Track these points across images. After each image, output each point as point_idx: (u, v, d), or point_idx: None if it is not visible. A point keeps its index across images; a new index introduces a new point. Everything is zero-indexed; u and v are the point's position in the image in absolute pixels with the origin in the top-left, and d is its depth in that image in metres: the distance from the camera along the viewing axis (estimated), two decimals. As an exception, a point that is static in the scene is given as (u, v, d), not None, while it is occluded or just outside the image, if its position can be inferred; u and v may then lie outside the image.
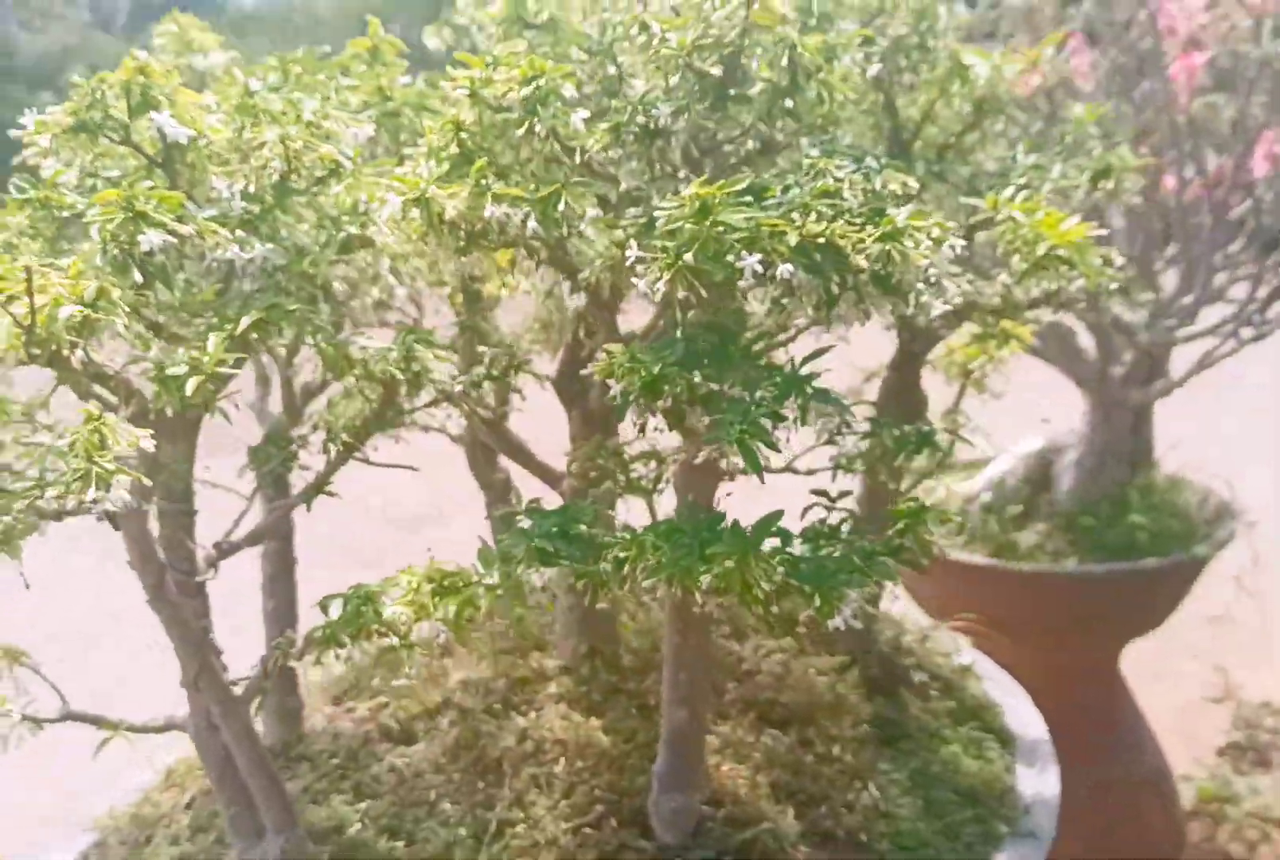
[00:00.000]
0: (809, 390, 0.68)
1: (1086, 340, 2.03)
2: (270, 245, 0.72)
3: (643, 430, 0.99)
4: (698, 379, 0.68)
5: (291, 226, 0.75)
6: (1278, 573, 2.22)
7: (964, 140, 1.18)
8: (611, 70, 0.76)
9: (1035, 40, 1.74)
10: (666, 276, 0.65)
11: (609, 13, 0.86)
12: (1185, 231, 1.87)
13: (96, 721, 0.87)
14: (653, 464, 1.03)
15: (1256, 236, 1.88)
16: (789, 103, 0.81)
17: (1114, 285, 1.07)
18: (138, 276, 0.65)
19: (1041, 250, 0.90)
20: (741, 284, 0.66)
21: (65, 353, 0.62)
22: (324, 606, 0.77)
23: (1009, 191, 0.96)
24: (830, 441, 0.96)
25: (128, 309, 0.63)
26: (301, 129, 0.73)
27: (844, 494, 0.87)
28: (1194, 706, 2.90)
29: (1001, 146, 1.25)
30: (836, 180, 0.70)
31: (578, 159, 0.74)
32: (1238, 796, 2.47)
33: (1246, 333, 1.86)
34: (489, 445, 1.47)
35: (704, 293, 0.66)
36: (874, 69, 0.92)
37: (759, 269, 0.65)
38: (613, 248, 0.72)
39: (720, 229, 0.65)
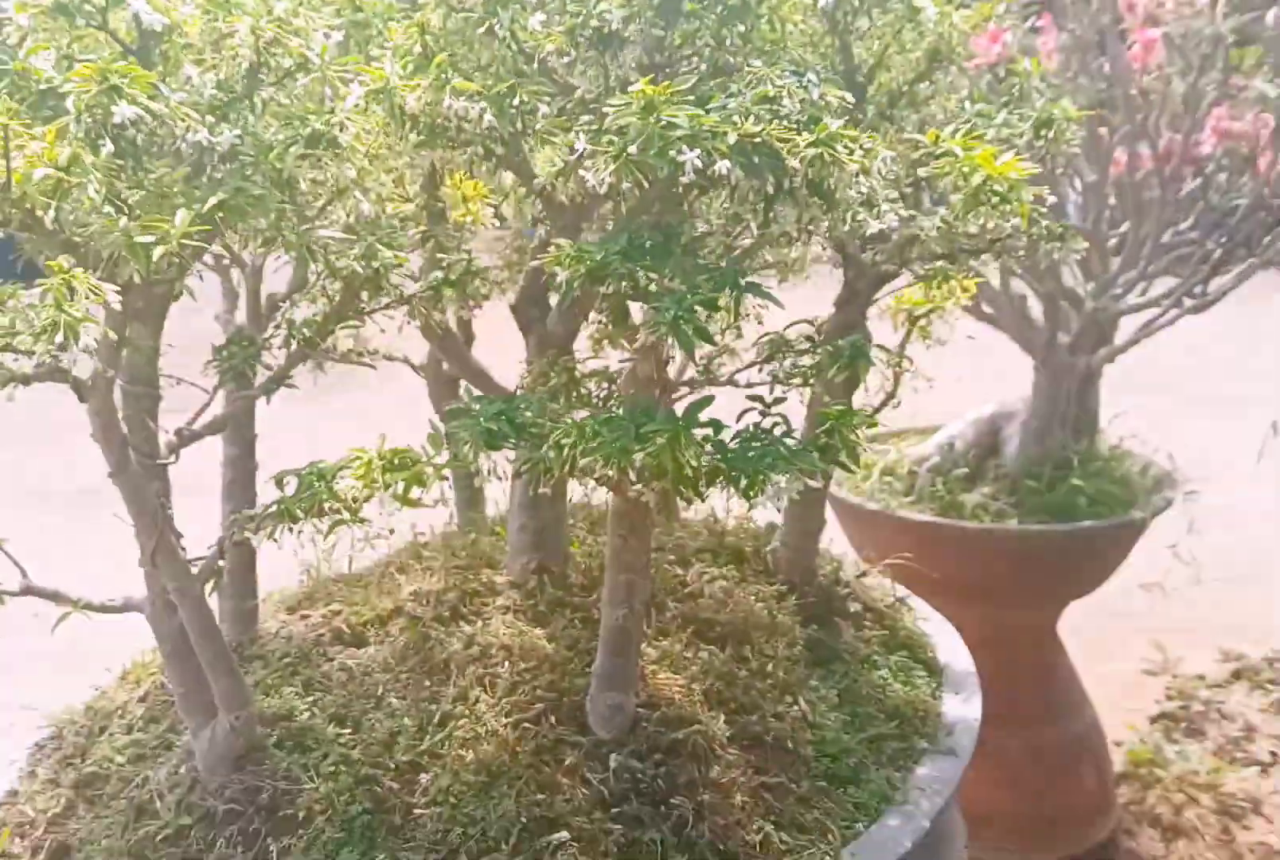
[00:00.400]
0: (741, 283, 0.72)
1: (1036, 309, 2.10)
2: (238, 132, 0.75)
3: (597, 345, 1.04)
4: (639, 272, 0.73)
5: (258, 118, 0.79)
6: (1211, 542, 2.29)
7: (916, 90, 1.22)
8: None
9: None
10: (612, 168, 0.70)
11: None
12: (1136, 206, 1.94)
13: (55, 597, 0.91)
14: (604, 384, 1.07)
15: (1204, 213, 1.94)
16: (739, 27, 0.85)
17: (1046, 228, 1.13)
18: (109, 147, 0.69)
19: (977, 180, 0.95)
20: (684, 180, 0.71)
21: (39, 213, 0.66)
22: (279, 481, 0.81)
23: (950, 129, 1.01)
24: (769, 359, 1.01)
25: (99, 176, 0.67)
26: (272, 23, 0.77)
27: (778, 400, 0.91)
28: (1131, 677, 2.99)
29: (953, 102, 1.30)
30: (776, 88, 0.75)
31: (535, 64, 0.78)
32: (1167, 761, 2.54)
33: (1188, 303, 1.92)
34: (451, 379, 1.51)
35: (647, 185, 0.70)
36: (825, 2, 0.96)
37: (698, 164, 0.69)
38: (564, 148, 0.76)
39: (664, 126, 0.70)
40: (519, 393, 1.07)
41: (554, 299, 1.21)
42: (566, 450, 0.76)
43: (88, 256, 0.69)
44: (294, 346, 0.90)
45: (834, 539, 1.58)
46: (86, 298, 0.63)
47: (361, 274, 0.85)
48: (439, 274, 0.94)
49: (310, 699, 1.05)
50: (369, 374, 1.29)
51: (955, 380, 2.18)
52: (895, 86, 1.21)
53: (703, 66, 0.89)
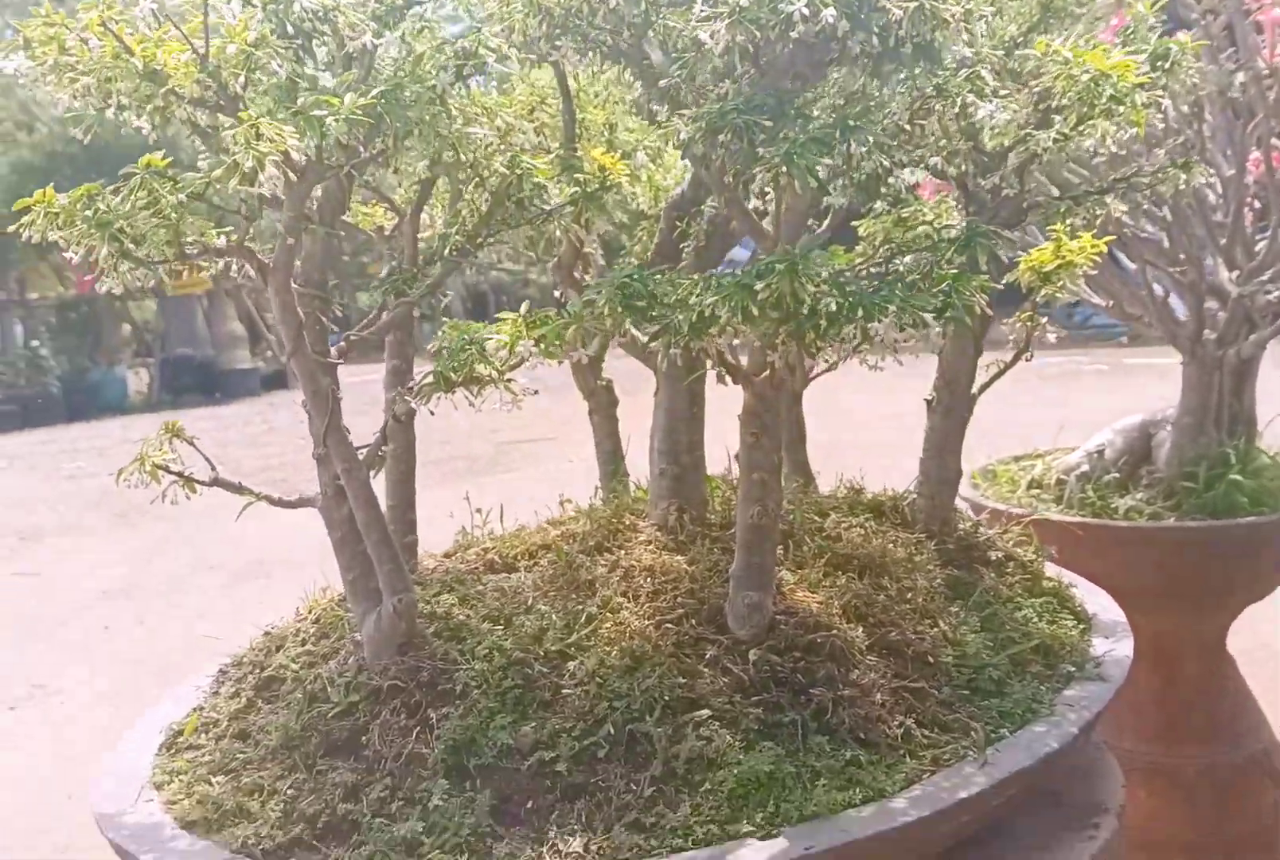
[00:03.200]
0: (851, 125, 0.78)
1: (1180, 309, 2.08)
2: (400, 34, 0.86)
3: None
4: (756, 125, 0.79)
5: (414, 35, 0.89)
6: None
7: (1029, 38, 1.28)
8: None
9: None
10: (727, 21, 0.77)
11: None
12: (1278, 194, 1.92)
13: (240, 489, 1.00)
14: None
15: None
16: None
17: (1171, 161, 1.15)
18: (290, 30, 0.80)
19: (1086, 79, 0.99)
20: (793, 34, 0.77)
21: (232, 86, 0.77)
22: (437, 352, 0.89)
23: (1059, 40, 1.06)
24: (891, 258, 1.06)
25: (283, 52, 0.78)
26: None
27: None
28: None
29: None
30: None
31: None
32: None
33: (1339, 284, 1.89)
34: (593, 356, 1.59)
35: (756, 39, 0.77)
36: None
37: (805, 12, 0.76)
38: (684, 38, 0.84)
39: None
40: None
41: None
42: (696, 309, 0.82)
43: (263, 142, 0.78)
44: (449, 254, 0.99)
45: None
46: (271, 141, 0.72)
47: (509, 177, 0.93)
48: (577, 189, 1.02)
49: (465, 606, 1.11)
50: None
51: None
52: (1009, 35, 1.27)
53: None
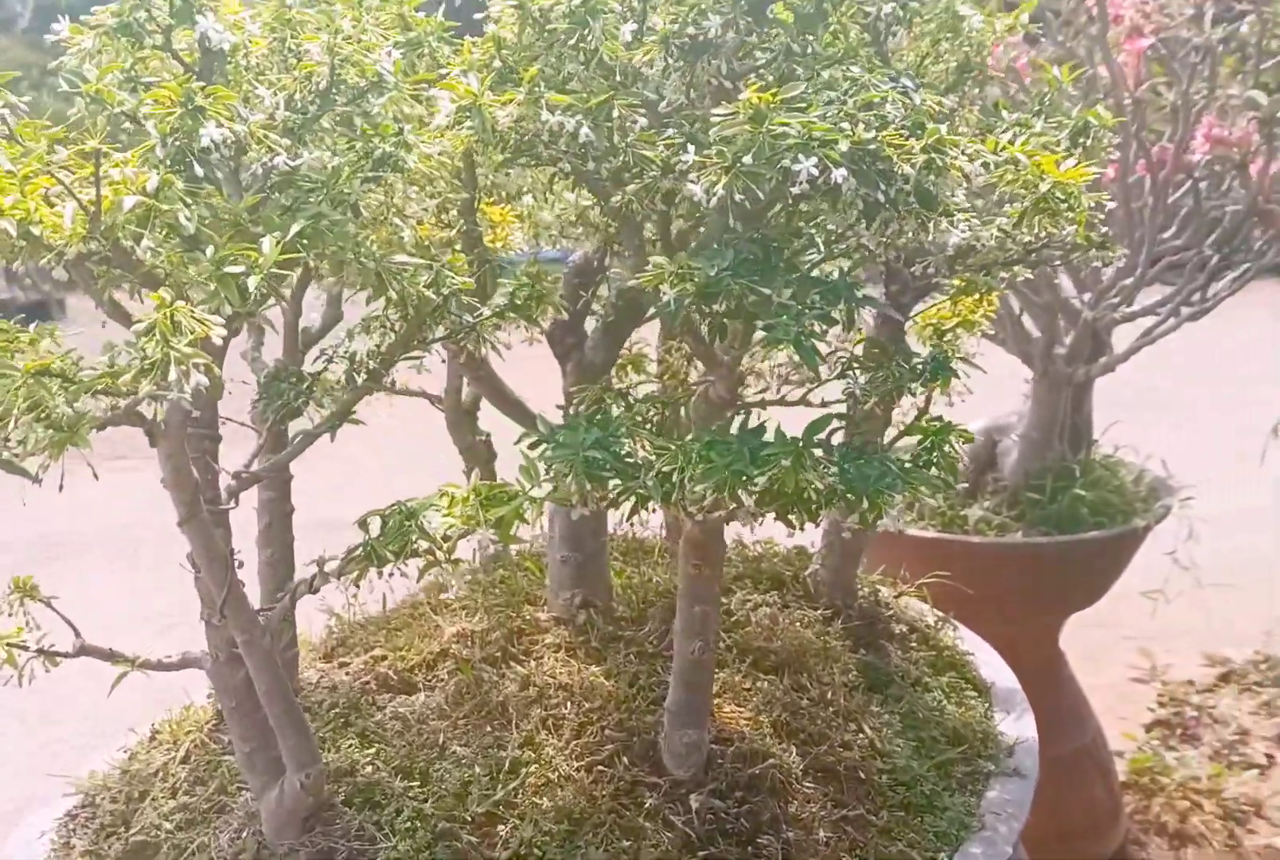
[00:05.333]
0: (857, 295, 0.69)
1: (1028, 322, 2.10)
2: (317, 154, 0.71)
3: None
4: (750, 289, 0.69)
5: (330, 139, 0.75)
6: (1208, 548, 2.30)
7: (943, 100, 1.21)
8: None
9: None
10: (724, 180, 0.66)
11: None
12: (1128, 215, 1.94)
13: (112, 657, 0.85)
14: (660, 408, 1.04)
15: (1194, 219, 1.96)
16: (810, 36, 0.83)
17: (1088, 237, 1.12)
18: (198, 170, 0.65)
19: (1045, 187, 0.93)
20: (794, 191, 0.68)
21: (128, 244, 0.61)
22: (363, 524, 0.77)
23: (1007, 135, 1.00)
24: (841, 375, 0.99)
25: (189, 202, 0.63)
26: (346, 40, 0.73)
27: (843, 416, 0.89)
28: (1122, 686, 2.99)
29: (976, 112, 1.29)
30: (880, 93, 0.72)
31: (618, 76, 0.75)
32: (1169, 769, 2.54)
33: (1185, 311, 1.94)
34: (470, 410, 1.47)
35: (762, 198, 0.67)
36: (881, 9, 0.94)
37: (814, 173, 0.66)
38: (656, 159, 0.73)
39: (775, 135, 0.67)
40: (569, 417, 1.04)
41: (589, 326, 1.18)
42: (674, 477, 0.73)
43: (176, 290, 0.64)
44: (357, 380, 0.86)
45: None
46: (191, 332, 0.58)
47: (433, 301, 0.81)
48: (501, 300, 0.90)
49: (370, 752, 1.00)
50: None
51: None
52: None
53: (769, 77, 0.86)
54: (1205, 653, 3.13)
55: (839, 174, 0.67)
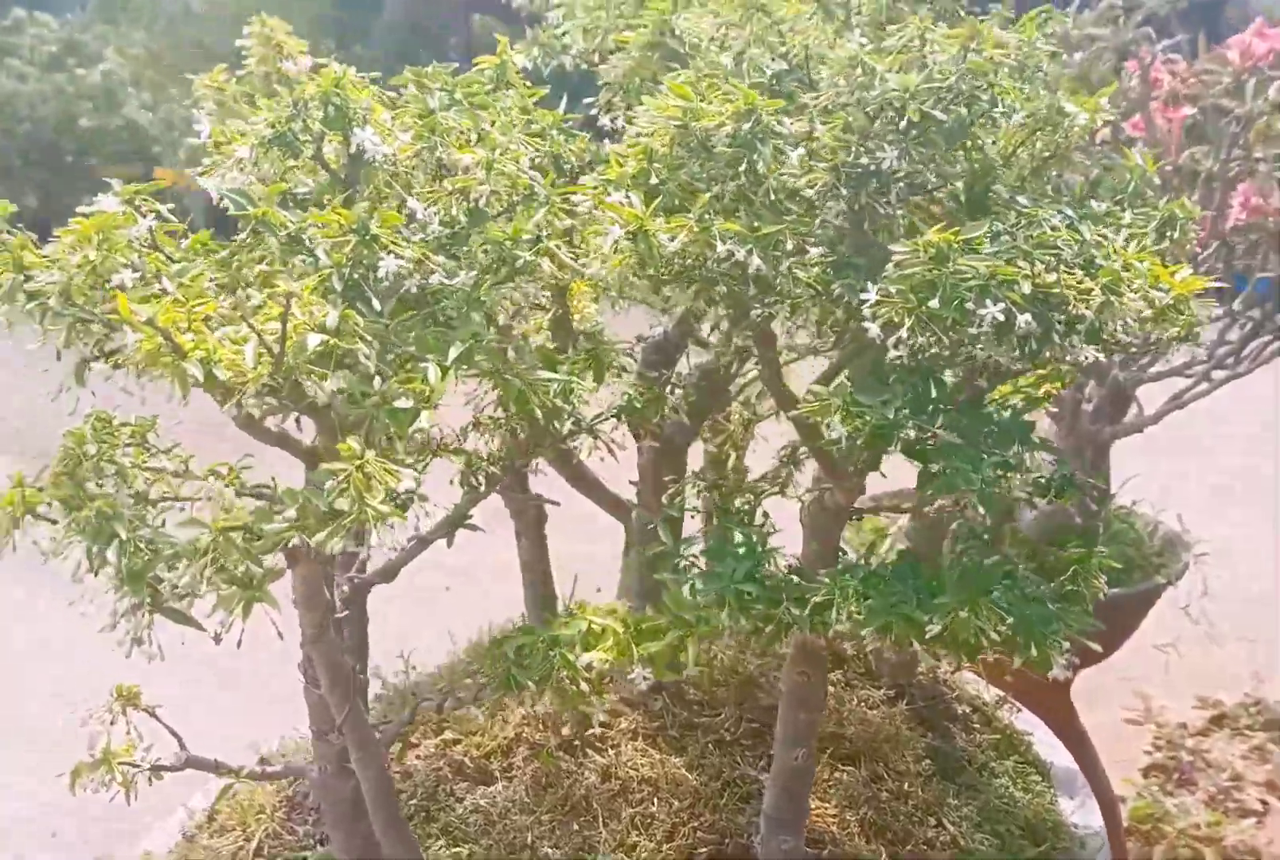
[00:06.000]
0: (1034, 439, 0.68)
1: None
2: (474, 273, 0.69)
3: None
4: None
5: (479, 252, 0.72)
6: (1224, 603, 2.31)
7: (1028, 185, 1.20)
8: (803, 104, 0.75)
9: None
10: (909, 322, 0.65)
11: (759, 46, 0.85)
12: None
13: (216, 768, 0.82)
14: (752, 498, 1.02)
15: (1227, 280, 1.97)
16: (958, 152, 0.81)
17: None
18: (376, 304, 0.62)
19: (1166, 300, 0.92)
20: (971, 331, 0.66)
21: (307, 384, 0.59)
22: (497, 646, 0.74)
23: (1120, 239, 0.99)
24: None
25: (370, 338, 0.60)
26: (502, 154, 0.71)
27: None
28: (1116, 728, 3.00)
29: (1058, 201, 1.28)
30: (1053, 229, 0.71)
31: (772, 196, 0.72)
32: (1170, 816, 2.56)
33: (1218, 375, 1.94)
34: (521, 472, 1.44)
35: (945, 339, 0.65)
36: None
37: (999, 318, 0.65)
38: (812, 283, 0.71)
39: (958, 276, 0.65)
40: (635, 512, 1.02)
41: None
42: (829, 611, 0.71)
43: (341, 428, 0.61)
44: (480, 485, 0.83)
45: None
46: (384, 484, 0.55)
47: (562, 407, 0.79)
48: (619, 404, 0.88)
49: (460, 851, 0.97)
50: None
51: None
52: (1014, 182, 1.19)
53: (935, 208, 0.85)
54: (1198, 695, 3.15)
55: (1024, 319, 0.65)
